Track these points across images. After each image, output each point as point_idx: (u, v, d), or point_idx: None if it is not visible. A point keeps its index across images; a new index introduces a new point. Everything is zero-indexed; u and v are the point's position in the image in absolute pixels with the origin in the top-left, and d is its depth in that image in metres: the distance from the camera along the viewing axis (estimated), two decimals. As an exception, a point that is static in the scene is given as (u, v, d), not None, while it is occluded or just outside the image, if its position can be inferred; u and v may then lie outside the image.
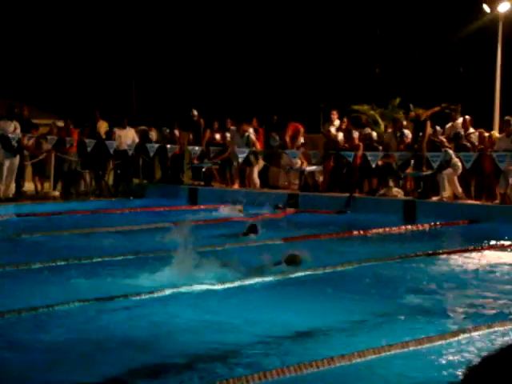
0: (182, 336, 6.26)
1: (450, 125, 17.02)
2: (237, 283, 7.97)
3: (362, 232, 12.45)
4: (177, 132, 19.67)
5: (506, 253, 10.63)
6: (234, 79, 34.85)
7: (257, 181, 18.53)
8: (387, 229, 12.87)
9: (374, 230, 12.64)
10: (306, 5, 34.01)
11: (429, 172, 15.66)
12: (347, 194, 16.05)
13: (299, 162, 17.88)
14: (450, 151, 15.47)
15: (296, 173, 18.26)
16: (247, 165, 18.50)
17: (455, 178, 15.47)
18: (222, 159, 18.97)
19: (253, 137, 18.69)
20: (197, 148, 19.13)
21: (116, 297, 7.25)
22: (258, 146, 18.88)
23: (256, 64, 35.03)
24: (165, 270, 8.25)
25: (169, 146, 19.10)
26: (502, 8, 24.83)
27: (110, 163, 19.10)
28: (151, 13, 35.60)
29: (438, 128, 16.90)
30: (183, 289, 7.60)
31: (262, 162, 18.93)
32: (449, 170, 15.32)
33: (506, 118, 15.70)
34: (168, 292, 7.49)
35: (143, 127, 20.75)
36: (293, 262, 8.81)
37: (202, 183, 19.01)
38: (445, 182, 15.29)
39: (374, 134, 17.72)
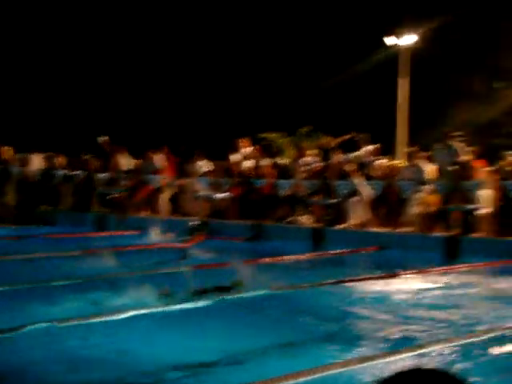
0: (97, 366, 6.10)
1: (357, 153, 17.34)
2: (146, 310, 7.83)
3: (270, 259, 12.47)
4: (85, 158, 19.39)
5: (411, 279, 10.82)
6: (144, 106, 34.65)
7: (167, 207, 18.42)
8: (296, 256, 12.94)
9: (283, 258, 12.69)
10: (212, 30, 34.19)
11: (337, 200, 15.89)
12: (257, 222, 16.12)
13: (207, 189, 17.93)
14: (358, 179, 15.78)
15: (206, 200, 18.25)
16: (158, 191, 18.37)
17: (363, 206, 15.76)
18: (131, 186, 18.78)
19: (163, 163, 18.62)
20: (104, 175, 18.89)
21: (20, 326, 6.99)
22: (169, 173, 18.79)
23: (166, 91, 34.93)
24: (78, 298, 8.06)
25: (77, 172, 18.78)
26: (403, 41, 25.66)
27: (12, 189, 18.61)
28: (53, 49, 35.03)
29: (346, 156, 17.25)
30: (97, 318, 7.43)
31: (172, 189, 18.82)
32: (356, 198, 15.61)
33: (410, 149, 16.23)
34: (82, 321, 7.30)
35: (50, 153, 20.36)
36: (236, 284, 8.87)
37: (111, 210, 18.74)
38: (352, 209, 15.56)
39: (284, 161, 17.92)
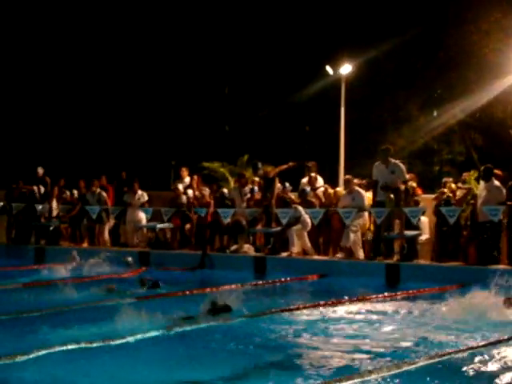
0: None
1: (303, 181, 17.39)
2: (84, 344, 7.70)
3: (213, 289, 12.42)
4: (23, 189, 19.11)
5: (352, 306, 10.88)
6: (84, 135, 34.31)
7: (107, 238, 18.24)
8: (238, 285, 12.90)
9: (226, 287, 12.65)
10: (155, 60, 34.17)
11: (278, 228, 15.96)
12: (199, 252, 16.12)
13: (144, 218, 17.84)
14: (300, 207, 15.89)
15: (146, 230, 18.16)
16: (98, 222, 18.18)
17: (304, 234, 15.85)
18: (70, 217, 18.57)
19: (104, 194, 18.46)
20: (41, 207, 18.62)
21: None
22: (109, 203, 18.64)
23: (106, 119, 34.67)
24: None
25: (14, 204, 18.49)
26: (344, 70, 26.02)
27: None
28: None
29: (287, 185, 17.38)
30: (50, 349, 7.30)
31: (112, 220, 18.65)
32: (298, 226, 15.71)
33: (346, 177, 16.41)
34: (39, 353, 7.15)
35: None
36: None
37: (49, 242, 18.44)
38: (294, 237, 15.64)
39: (226, 190, 17.93)
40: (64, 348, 7.43)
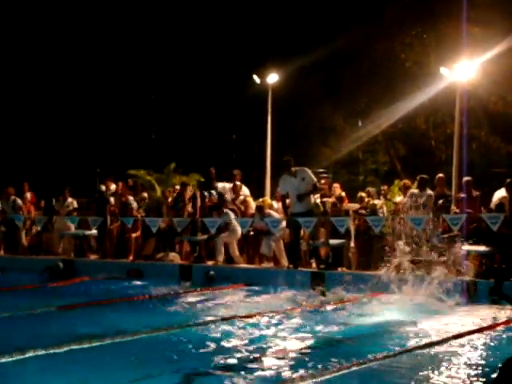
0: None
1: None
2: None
3: (143, 297, 12.37)
4: None
5: (271, 317, 10.83)
6: (11, 142, 33.56)
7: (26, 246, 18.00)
8: (164, 294, 12.85)
9: (153, 295, 12.61)
10: (80, 65, 33.77)
11: (205, 236, 15.95)
12: (128, 259, 16.08)
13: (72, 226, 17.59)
14: (230, 213, 15.85)
15: (73, 238, 17.88)
16: (14, 229, 17.84)
17: (234, 242, 15.85)
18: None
19: (19, 201, 18.13)
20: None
21: None
22: (31, 211, 18.38)
23: (31, 127, 34.03)
24: None
25: None
26: (271, 79, 26.25)
27: None
28: None
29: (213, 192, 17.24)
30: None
31: (35, 227, 18.33)
32: (225, 234, 15.69)
33: (259, 201, 16.44)
34: None
35: None
36: None
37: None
38: (221, 246, 15.62)
39: (154, 198, 17.91)
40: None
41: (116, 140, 33.53)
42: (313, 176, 15.02)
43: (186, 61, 33.09)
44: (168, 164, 27.86)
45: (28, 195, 19.09)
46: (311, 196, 14.95)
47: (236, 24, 32.34)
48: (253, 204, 16.52)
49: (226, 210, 15.96)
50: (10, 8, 33.10)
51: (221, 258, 15.61)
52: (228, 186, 17.06)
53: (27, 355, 7.50)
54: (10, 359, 7.34)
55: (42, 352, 7.65)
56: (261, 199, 17.05)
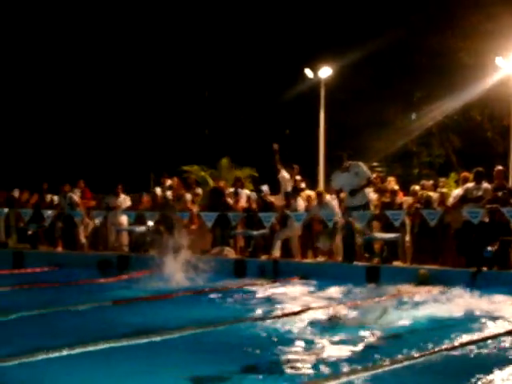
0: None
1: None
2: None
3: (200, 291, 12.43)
4: (11, 194, 19.22)
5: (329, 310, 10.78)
6: (65, 140, 34.11)
7: (86, 242, 18.19)
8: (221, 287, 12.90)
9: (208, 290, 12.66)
10: (134, 65, 34.11)
11: (261, 231, 15.94)
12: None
13: (130, 222, 17.70)
14: (288, 212, 15.84)
15: (128, 233, 18.02)
16: (72, 226, 18.08)
17: (296, 236, 15.85)
18: (51, 221, 18.48)
19: (76, 198, 18.37)
20: (26, 210, 18.58)
21: None
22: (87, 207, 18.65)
23: (86, 125, 34.52)
24: None
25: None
26: (323, 73, 26.15)
27: None
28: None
29: (264, 188, 17.23)
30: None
31: (92, 223, 18.52)
32: (283, 230, 15.72)
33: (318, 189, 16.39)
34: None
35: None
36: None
37: (28, 246, 18.35)
38: (279, 240, 15.64)
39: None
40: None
41: (170, 136, 33.77)
42: (367, 170, 14.92)
43: (239, 57, 33.15)
44: (220, 159, 27.97)
45: (83, 192, 19.34)
46: (365, 190, 14.85)
47: (288, 19, 32.28)
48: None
49: (280, 208, 16.00)
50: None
51: (277, 253, 15.61)
52: (287, 176, 16.88)
53: (88, 349, 7.59)
54: (73, 351, 7.44)
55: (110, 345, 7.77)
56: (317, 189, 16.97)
